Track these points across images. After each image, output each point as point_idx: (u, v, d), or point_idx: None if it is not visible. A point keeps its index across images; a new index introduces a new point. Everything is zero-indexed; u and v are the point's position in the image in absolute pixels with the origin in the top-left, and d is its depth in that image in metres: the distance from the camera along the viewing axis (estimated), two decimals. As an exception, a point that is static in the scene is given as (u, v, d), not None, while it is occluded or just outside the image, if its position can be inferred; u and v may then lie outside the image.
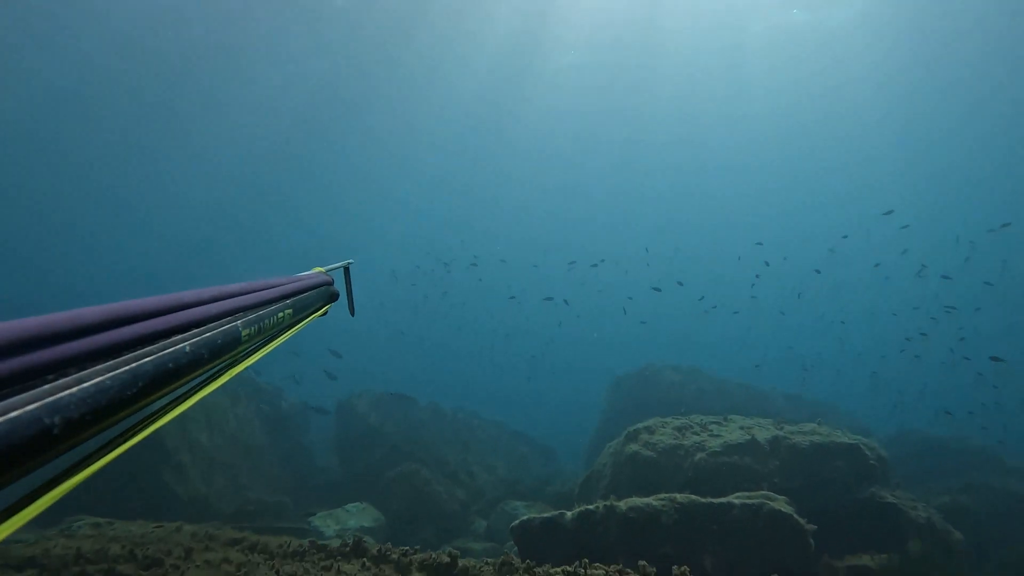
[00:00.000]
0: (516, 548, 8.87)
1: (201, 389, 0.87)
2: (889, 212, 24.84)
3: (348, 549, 6.27)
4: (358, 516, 12.39)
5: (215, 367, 0.88)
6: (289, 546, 6.44)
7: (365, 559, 5.95)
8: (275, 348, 1.11)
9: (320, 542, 6.60)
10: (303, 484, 16.59)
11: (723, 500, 8.94)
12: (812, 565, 8.54)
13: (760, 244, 28.40)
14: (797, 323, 47.26)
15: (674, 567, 5.81)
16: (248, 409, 16.82)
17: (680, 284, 28.39)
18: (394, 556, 6.08)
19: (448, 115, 45.80)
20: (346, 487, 15.86)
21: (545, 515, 9.27)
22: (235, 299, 0.97)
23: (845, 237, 24.22)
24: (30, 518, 0.55)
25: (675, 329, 56.67)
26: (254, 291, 1.04)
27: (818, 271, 27.87)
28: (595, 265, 28.12)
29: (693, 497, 8.97)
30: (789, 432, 11.37)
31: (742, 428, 11.60)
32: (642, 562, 5.95)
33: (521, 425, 25.23)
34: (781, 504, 8.96)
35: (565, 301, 27.98)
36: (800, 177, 53.55)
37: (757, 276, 27.04)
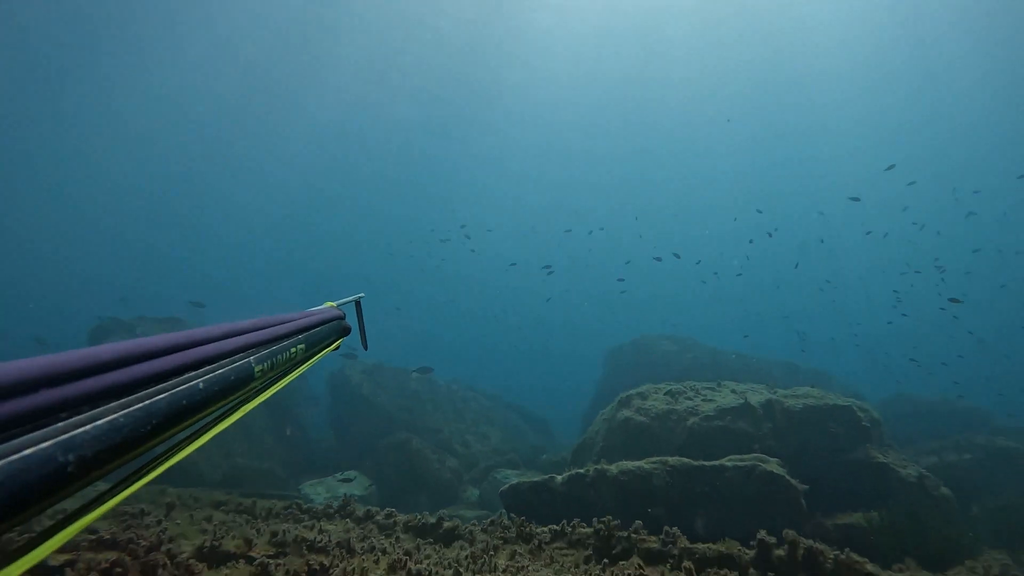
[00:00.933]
0: (507, 513, 8.84)
1: (215, 425, 0.86)
2: (891, 167, 24.49)
3: (333, 511, 6.17)
4: (349, 484, 12.35)
5: (229, 403, 0.88)
6: (274, 509, 6.35)
7: (349, 520, 5.85)
8: (288, 383, 1.11)
9: (305, 505, 6.51)
10: (295, 453, 16.52)
11: (716, 463, 8.90)
12: (803, 524, 8.53)
13: (760, 212, 28.11)
14: (794, 292, 47.30)
15: (665, 527, 5.74)
16: (240, 380, 16.64)
17: (677, 256, 28.18)
18: (379, 518, 5.99)
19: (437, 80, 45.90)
20: (338, 456, 15.83)
21: (535, 479, 9.23)
22: (247, 335, 0.97)
23: (857, 199, 23.72)
24: (46, 555, 0.55)
25: (671, 300, 56.81)
26: (266, 327, 1.05)
27: (822, 240, 27.52)
28: (591, 232, 27.82)
29: (685, 460, 8.92)
30: (783, 396, 11.32)
31: (735, 392, 11.54)
32: (637, 522, 5.88)
33: (517, 398, 25.27)
34: (774, 466, 8.92)
35: (548, 269, 27.70)
36: (791, 142, 53.13)
37: (751, 241, 26.83)
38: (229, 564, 4.62)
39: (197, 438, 0.82)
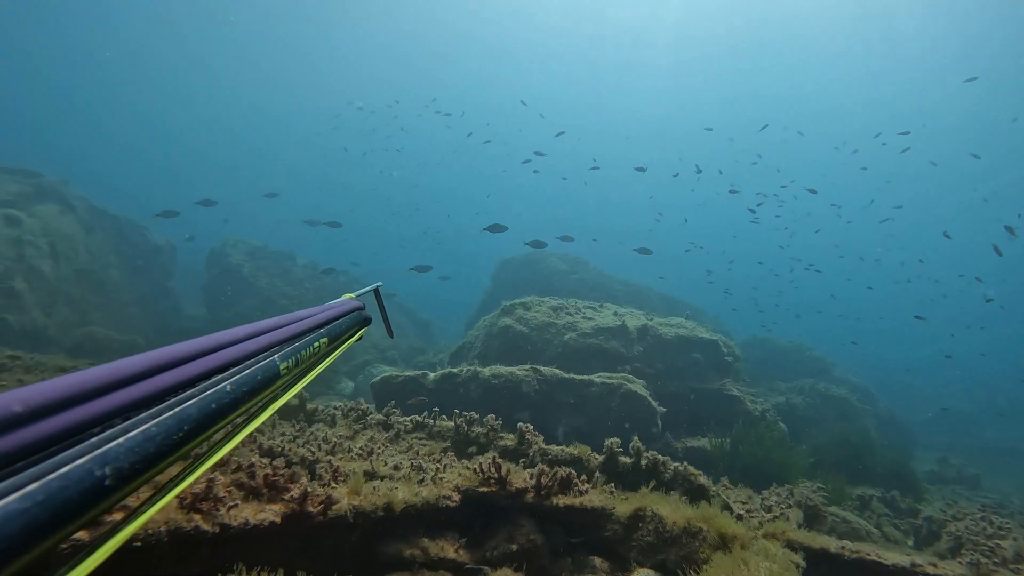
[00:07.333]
0: (370, 402, 8.77)
1: (247, 424, 0.85)
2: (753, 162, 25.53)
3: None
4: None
5: (258, 402, 0.87)
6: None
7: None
8: (315, 377, 1.11)
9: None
10: (163, 328, 15.54)
11: (585, 377, 9.20)
12: (656, 443, 9.11)
13: (732, 140, 28.03)
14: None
15: (520, 424, 5.83)
16: (104, 243, 15.14)
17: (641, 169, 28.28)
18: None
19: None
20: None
21: (407, 373, 9.18)
22: (270, 334, 0.97)
23: (878, 135, 24.21)
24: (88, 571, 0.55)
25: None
26: (287, 324, 1.05)
27: (784, 185, 28.01)
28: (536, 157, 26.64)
29: (556, 371, 9.15)
30: (657, 323, 11.82)
31: (615, 315, 11.91)
32: (490, 415, 5.93)
33: (408, 300, 24.98)
34: (638, 387, 9.37)
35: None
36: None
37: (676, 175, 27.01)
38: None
39: (231, 439, 0.82)
